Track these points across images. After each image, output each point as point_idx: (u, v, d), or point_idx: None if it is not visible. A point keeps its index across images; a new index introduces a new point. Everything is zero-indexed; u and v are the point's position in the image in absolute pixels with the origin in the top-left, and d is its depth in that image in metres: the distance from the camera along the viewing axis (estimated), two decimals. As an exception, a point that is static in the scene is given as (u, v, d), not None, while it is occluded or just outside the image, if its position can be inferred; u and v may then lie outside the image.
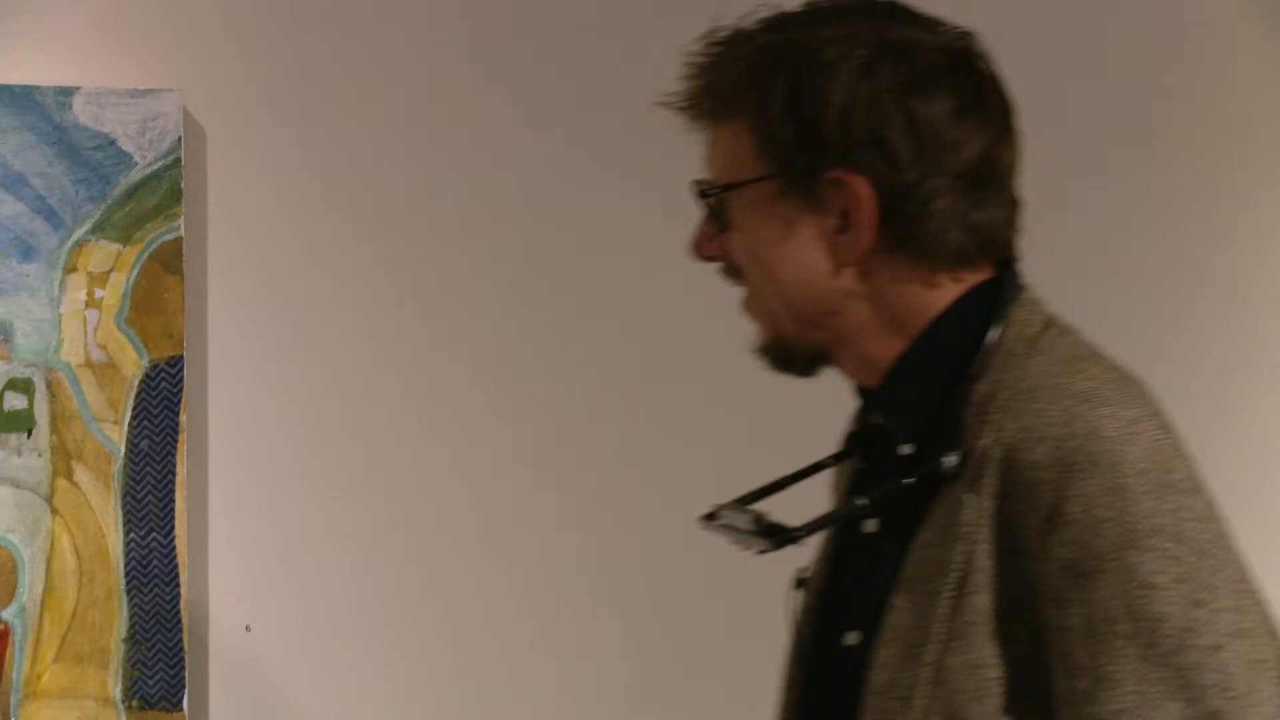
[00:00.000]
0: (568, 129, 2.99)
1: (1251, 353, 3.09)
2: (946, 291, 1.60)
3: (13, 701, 2.76)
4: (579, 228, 3.00)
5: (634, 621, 3.01)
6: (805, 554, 1.78)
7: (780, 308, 1.64)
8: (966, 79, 1.59)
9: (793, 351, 1.65)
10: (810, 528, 1.63)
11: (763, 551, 1.63)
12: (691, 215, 2.92)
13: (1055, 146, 2.74)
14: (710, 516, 1.71)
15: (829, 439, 1.85)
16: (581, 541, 3.00)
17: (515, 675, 2.98)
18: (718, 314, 2.95)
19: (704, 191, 1.66)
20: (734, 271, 1.68)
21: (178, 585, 2.80)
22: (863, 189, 1.56)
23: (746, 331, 2.92)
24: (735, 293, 2.88)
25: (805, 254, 1.60)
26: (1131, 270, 3.22)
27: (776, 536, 1.61)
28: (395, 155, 2.93)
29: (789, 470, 1.76)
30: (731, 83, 1.61)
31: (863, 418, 1.72)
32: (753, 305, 1.68)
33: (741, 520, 1.65)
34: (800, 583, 1.75)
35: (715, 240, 1.66)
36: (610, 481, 3.02)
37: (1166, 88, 3.11)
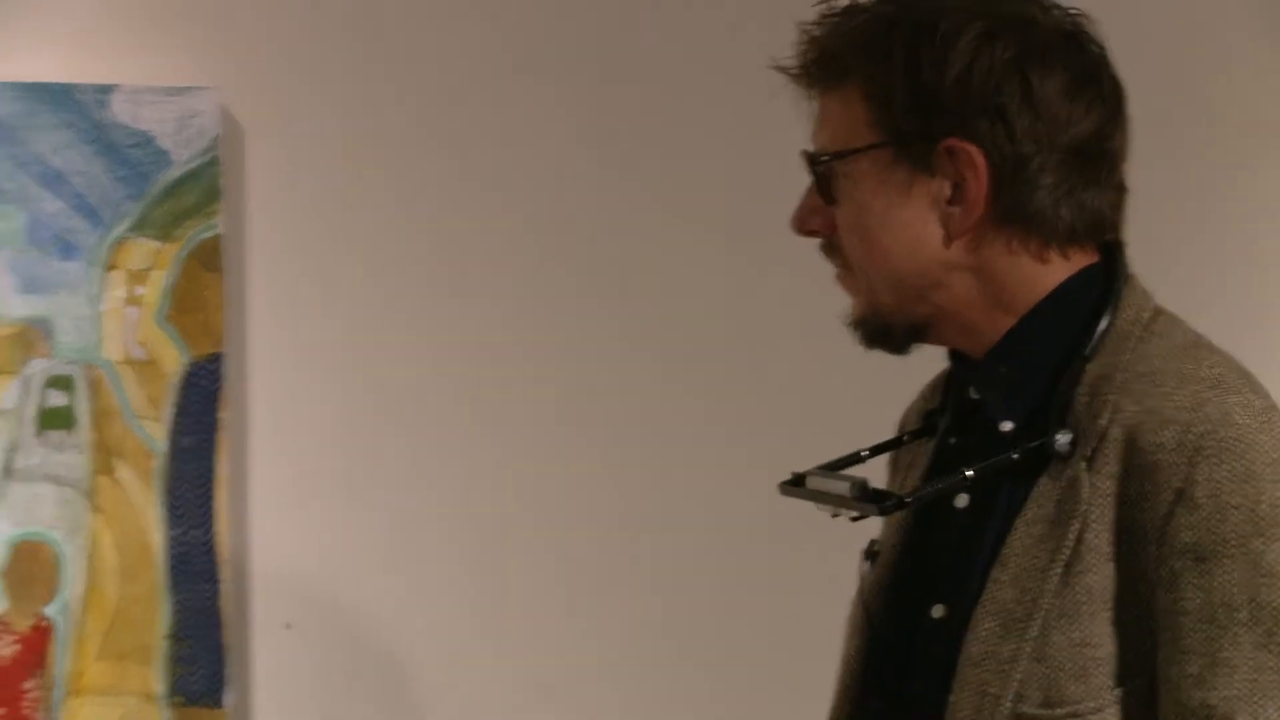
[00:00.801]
0: (611, 122, 3.00)
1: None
2: (1055, 269, 1.60)
3: (56, 698, 2.76)
4: (622, 221, 3.00)
5: (677, 619, 3.02)
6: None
7: (881, 282, 1.62)
8: (1080, 57, 1.60)
9: (890, 327, 1.64)
10: (917, 495, 1.62)
11: (859, 518, 1.64)
12: (724, 209, 2.97)
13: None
14: (795, 483, 1.70)
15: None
16: (626, 540, 3.01)
17: (558, 672, 2.98)
18: (754, 308, 2.99)
19: (814, 160, 1.64)
20: (833, 248, 1.66)
21: (219, 582, 2.80)
22: (977, 157, 1.56)
23: (784, 327, 2.95)
24: (775, 286, 2.94)
25: (915, 224, 1.59)
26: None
27: (883, 503, 1.60)
28: (433, 150, 2.93)
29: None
30: (847, 50, 1.61)
31: (956, 392, 1.71)
32: (850, 280, 1.66)
33: (838, 486, 1.64)
34: (871, 556, 1.75)
35: (820, 214, 1.65)
36: (658, 478, 3.02)
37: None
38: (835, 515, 1.66)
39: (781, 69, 1.65)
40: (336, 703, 2.92)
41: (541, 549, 2.99)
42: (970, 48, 1.56)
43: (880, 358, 1.68)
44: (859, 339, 1.67)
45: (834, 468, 1.71)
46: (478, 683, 2.96)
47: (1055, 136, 1.57)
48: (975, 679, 1.53)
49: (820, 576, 2.13)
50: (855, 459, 1.75)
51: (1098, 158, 1.59)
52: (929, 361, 1.74)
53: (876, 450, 1.78)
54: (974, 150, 1.56)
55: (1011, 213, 1.58)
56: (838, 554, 1.88)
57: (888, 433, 1.80)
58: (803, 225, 1.67)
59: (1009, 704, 1.51)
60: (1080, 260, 1.61)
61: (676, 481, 3.01)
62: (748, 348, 3.02)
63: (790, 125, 1.71)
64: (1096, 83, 1.60)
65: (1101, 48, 1.63)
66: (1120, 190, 1.63)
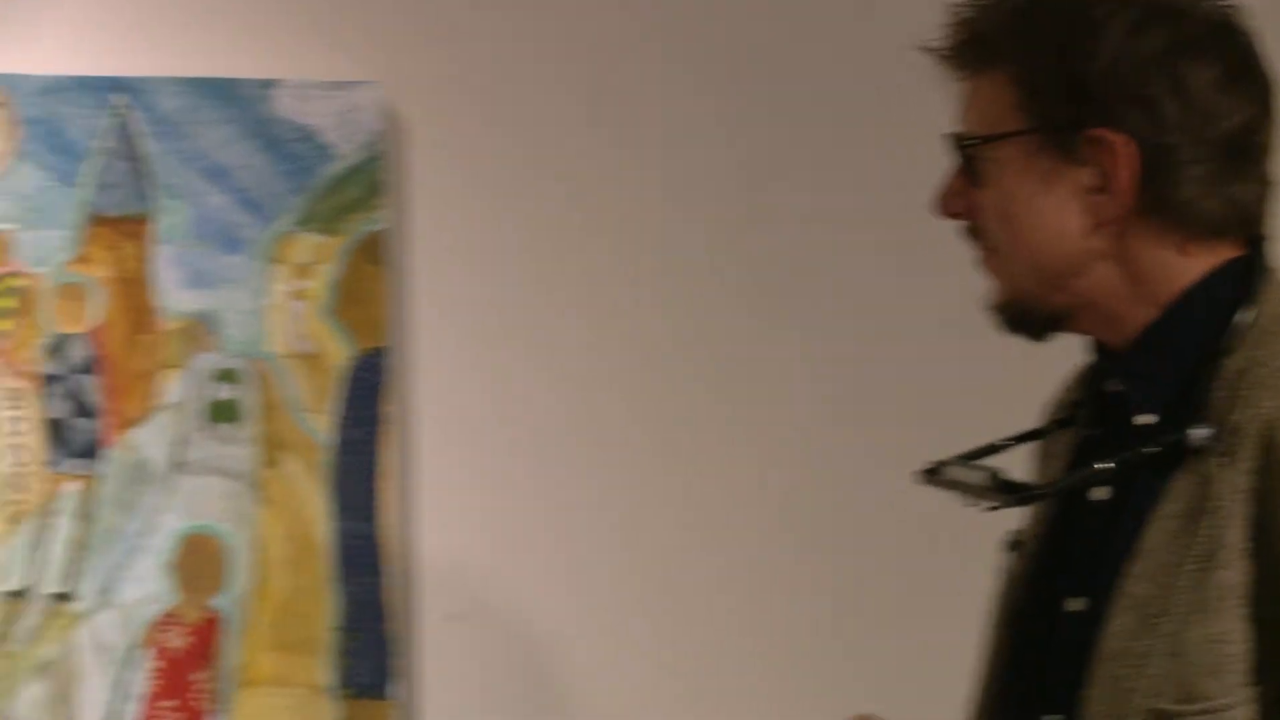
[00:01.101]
0: (775, 117, 2.96)
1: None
2: (1198, 262, 1.59)
3: (226, 689, 2.80)
4: (790, 220, 2.96)
5: (844, 619, 2.98)
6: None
7: (1023, 268, 1.62)
8: (1231, 49, 1.59)
9: (1030, 313, 1.64)
10: (1053, 487, 1.64)
11: (996, 508, 1.64)
12: (884, 210, 2.92)
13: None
14: (932, 472, 1.70)
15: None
16: (796, 541, 2.96)
17: (726, 669, 2.95)
18: (925, 309, 2.93)
19: (961, 143, 1.64)
20: (976, 231, 1.66)
21: (387, 575, 2.82)
22: (1125, 148, 1.55)
23: (948, 334, 2.89)
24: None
25: (1060, 212, 1.59)
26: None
27: (1019, 493, 1.62)
28: (596, 144, 2.92)
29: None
30: (998, 33, 1.61)
31: (1096, 384, 1.70)
32: (993, 264, 1.66)
33: (974, 476, 1.65)
34: (1014, 546, 1.75)
35: (963, 196, 1.65)
36: (825, 479, 2.97)
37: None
38: (971, 505, 1.66)
39: (931, 50, 1.65)
40: (504, 696, 2.92)
41: (710, 547, 2.96)
42: (1121, 37, 1.55)
43: (1021, 349, 1.67)
44: (999, 324, 1.66)
45: (971, 458, 1.70)
46: (642, 676, 2.94)
47: (1205, 129, 1.55)
48: (1111, 673, 1.52)
49: (965, 571, 2.09)
50: (992, 449, 1.73)
51: (1246, 151, 1.58)
52: (1069, 352, 1.71)
53: (1015, 440, 1.76)
54: (1122, 140, 1.55)
55: (1157, 204, 1.57)
56: (983, 549, 1.84)
57: (1026, 424, 1.77)
58: (946, 208, 1.66)
59: (1144, 699, 1.50)
60: (1224, 253, 1.59)
61: (847, 480, 2.97)
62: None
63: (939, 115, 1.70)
64: (1247, 75, 1.59)
65: (1252, 39, 1.61)
66: (1266, 184, 1.61)
